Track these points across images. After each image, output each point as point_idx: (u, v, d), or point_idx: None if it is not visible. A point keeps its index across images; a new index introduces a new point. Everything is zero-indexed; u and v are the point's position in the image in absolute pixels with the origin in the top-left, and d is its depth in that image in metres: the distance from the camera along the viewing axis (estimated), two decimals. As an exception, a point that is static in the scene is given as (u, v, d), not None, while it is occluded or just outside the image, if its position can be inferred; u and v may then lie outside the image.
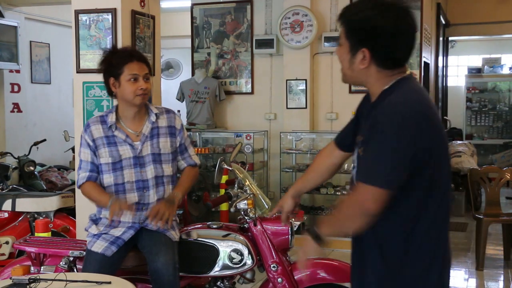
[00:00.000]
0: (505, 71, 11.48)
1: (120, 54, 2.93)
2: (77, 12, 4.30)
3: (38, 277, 2.21)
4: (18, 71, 8.13)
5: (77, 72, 4.36)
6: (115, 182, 2.89)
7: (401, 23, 1.91)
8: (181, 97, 7.62)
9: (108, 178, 2.90)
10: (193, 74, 7.79)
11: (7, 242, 4.53)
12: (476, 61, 12.10)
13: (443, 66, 9.89)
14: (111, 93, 2.96)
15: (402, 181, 1.86)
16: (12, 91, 8.17)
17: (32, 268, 2.94)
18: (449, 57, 10.67)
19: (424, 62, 7.35)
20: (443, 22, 9.36)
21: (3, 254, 4.52)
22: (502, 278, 5.28)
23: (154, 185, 2.92)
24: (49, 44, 8.81)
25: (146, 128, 2.93)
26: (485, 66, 11.53)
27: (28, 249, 2.99)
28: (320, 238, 1.95)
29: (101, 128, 2.92)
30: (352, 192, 1.95)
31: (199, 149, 6.52)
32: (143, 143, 2.91)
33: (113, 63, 2.89)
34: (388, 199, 1.85)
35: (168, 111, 3.05)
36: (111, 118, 2.92)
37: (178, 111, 7.48)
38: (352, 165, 2.09)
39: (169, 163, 2.97)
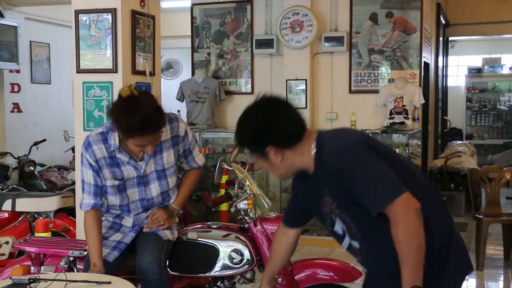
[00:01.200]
0: (505, 71, 11.49)
1: (134, 121, 2.55)
2: (77, 12, 4.30)
3: (38, 277, 2.21)
4: (18, 71, 8.13)
5: (77, 72, 4.36)
6: (120, 204, 2.84)
7: (273, 114, 2.10)
8: (181, 97, 7.62)
9: (113, 200, 2.83)
10: (193, 74, 7.79)
11: (7, 242, 4.53)
12: (476, 61, 12.10)
13: (443, 66, 9.89)
14: None
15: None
16: (12, 91, 8.17)
17: (32, 268, 2.94)
18: (449, 57, 10.67)
19: (424, 62, 7.34)
20: (443, 22, 9.36)
21: (3, 254, 4.52)
22: (502, 278, 5.28)
23: (159, 202, 2.90)
24: (49, 44, 8.81)
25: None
26: (485, 66, 11.54)
27: (28, 249, 2.99)
28: None
29: (104, 148, 2.75)
30: (393, 219, 1.94)
31: (199, 149, 6.52)
32: (147, 163, 2.81)
33: (123, 125, 2.60)
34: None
35: (170, 120, 2.85)
36: (114, 140, 2.73)
37: (178, 111, 7.49)
38: (341, 234, 2.16)
39: (173, 175, 2.92)
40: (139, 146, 2.67)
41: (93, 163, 2.75)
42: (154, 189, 2.86)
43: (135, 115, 2.54)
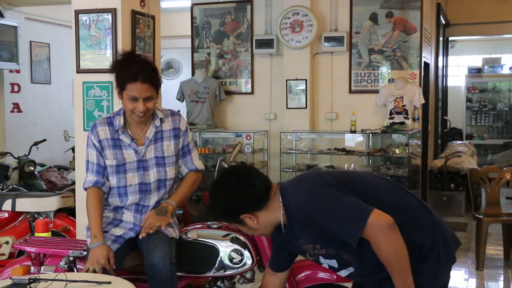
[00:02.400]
0: (505, 71, 11.49)
1: (128, 69, 2.81)
2: (77, 12, 4.30)
3: (38, 277, 2.21)
4: (18, 71, 8.13)
5: (77, 72, 4.36)
6: (118, 185, 2.90)
7: (236, 184, 2.22)
8: (181, 97, 7.62)
9: (111, 180, 2.91)
10: (193, 74, 7.80)
11: (7, 242, 4.53)
12: (476, 61, 12.10)
13: (443, 66, 9.89)
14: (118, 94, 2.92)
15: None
16: (12, 91, 8.17)
17: (32, 268, 2.94)
18: (449, 57, 10.67)
19: (424, 62, 7.35)
20: (443, 22, 9.36)
21: (3, 254, 4.52)
22: (502, 278, 5.28)
23: (156, 188, 2.93)
24: (49, 44, 8.81)
25: (150, 132, 2.91)
26: (485, 66, 11.54)
27: (28, 249, 2.99)
28: None
29: (108, 130, 2.91)
30: (372, 240, 2.07)
31: (199, 149, 6.52)
32: (147, 147, 2.91)
33: (120, 75, 2.84)
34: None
35: (173, 113, 3.02)
36: (119, 122, 2.91)
37: (178, 111, 7.47)
38: (336, 267, 2.29)
39: (173, 166, 2.96)
40: (131, 102, 2.80)
41: (97, 144, 2.90)
42: (152, 175, 2.91)
43: (132, 64, 2.82)
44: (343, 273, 2.29)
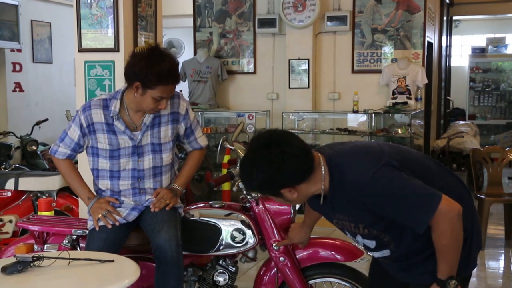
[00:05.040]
0: (510, 50, 11.40)
1: (160, 69, 2.66)
2: (78, -9, 4.27)
3: (41, 255, 2.23)
4: (19, 50, 8.10)
5: (79, 51, 4.34)
6: (111, 169, 2.86)
7: (279, 158, 1.97)
8: (183, 77, 7.59)
9: (103, 163, 2.85)
10: (195, 53, 7.76)
11: (10, 221, 4.56)
12: (480, 40, 12.00)
13: (446, 46, 9.83)
14: (127, 81, 2.77)
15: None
16: (14, 70, 8.15)
17: (35, 247, 2.95)
18: (453, 37, 10.60)
19: (428, 41, 7.30)
20: (447, 1, 9.28)
21: (6, 233, 4.55)
22: (503, 257, 5.30)
23: (151, 175, 2.88)
24: (50, 23, 8.76)
25: (147, 118, 2.84)
26: (489, 46, 11.44)
27: (31, 227, 3.00)
28: (446, 283, 2.01)
29: (102, 114, 2.81)
30: (437, 228, 1.98)
31: (202, 129, 6.51)
32: (143, 133, 2.83)
33: (149, 74, 2.65)
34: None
35: (172, 96, 2.88)
36: (115, 107, 2.80)
37: (180, 90, 7.45)
38: (372, 248, 2.20)
39: (169, 152, 2.91)
40: (155, 101, 2.71)
41: (84, 125, 2.82)
42: (147, 161, 2.86)
43: (162, 64, 2.67)
44: (377, 254, 2.21)
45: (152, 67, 2.66)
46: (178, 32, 11.44)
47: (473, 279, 4.63)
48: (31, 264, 2.17)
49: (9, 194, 4.79)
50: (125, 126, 2.81)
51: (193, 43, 7.88)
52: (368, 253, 2.31)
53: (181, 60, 8.38)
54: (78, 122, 2.84)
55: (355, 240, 2.24)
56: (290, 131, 2.13)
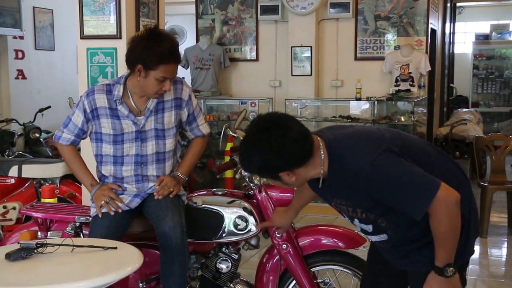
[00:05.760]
0: (513, 37, 11.34)
1: (161, 49, 2.67)
2: (80, -23, 4.25)
3: (45, 242, 2.24)
4: (21, 37, 8.08)
5: (81, 38, 4.33)
6: (114, 154, 2.86)
7: (279, 141, 1.96)
8: (185, 64, 7.58)
9: (107, 149, 2.86)
10: (197, 41, 7.74)
11: (14, 208, 4.57)
12: (484, 27, 11.94)
13: (450, 33, 9.78)
14: (129, 66, 2.79)
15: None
16: (16, 57, 8.13)
17: (39, 233, 2.96)
18: (457, 24, 10.53)
19: (431, 28, 7.26)
20: (451, -13, 9.21)
21: (10, 219, 4.56)
22: (505, 245, 5.31)
23: (154, 161, 2.88)
24: (52, 10, 8.72)
25: (151, 103, 2.83)
26: (493, 33, 11.38)
27: (35, 214, 3.01)
28: (444, 270, 2.02)
29: (106, 99, 2.81)
30: (435, 215, 1.98)
31: (204, 117, 6.51)
32: (147, 118, 2.82)
33: (150, 54, 2.67)
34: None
35: (175, 81, 2.88)
36: (118, 91, 2.80)
37: (183, 78, 7.44)
38: (370, 231, 2.21)
39: (172, 138, 2.90)
40: (159, 82, 2.71)
41: (88, 110, 2.82)
42: (150, 147, 2.85)
43: (162, 44, 2.68)
44: (374, 238, 2.22)
45: (152, 47, 2.67)
46: (180, 19, 11.40)
47: (475, 267, 4.65)
48: (35, 251, 2.18)
49: (13, 181, 4.80)
50: (129, 110, 2.81)
51: (196, 30, 7.85)
52: (366, 237, 2.32)
53: (183, 47, 8.38)
54: (81, 107, 2.84)
55: (353, 224, 2.24)
56: (291, 115, 2.11)
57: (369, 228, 2.18)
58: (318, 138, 2.06)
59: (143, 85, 2.75)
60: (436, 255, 2.02)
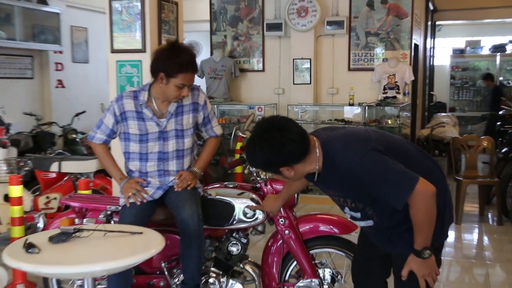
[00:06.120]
0: (485, 51, 11.32)
1: (180, 59, 2.70)
2: (111, 0, 4.26)
3: (81, 228, 2.25)
4: (61, 52, 8.11)
5: (111, 52, 4.35)
6: (140, 152, 2.86)
7: (279, 141, 1.98)
8: (201, 74, 7.58)
9: (134, 147, 2.86)
10: (211, 54, 7.74)
11: (55, 198, 4.60)
12: (460, 43, 11.89)
13: (430, 48, 9.74)
14: (153, 74, 2.79)
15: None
16: (57, 69, 8.18)
17: (76, 220, 2.98)
18: (436, 39, 10.49)
19: (414, 43, 7.23)
20: (432, 8, 9.18)
21: (52, 208, 4.59)
22: (477, 231, 5.31)
23: (174, 157, 2.88)
24: (87, 28, 8.76)
25: (172, 107, 2.84)
26: (467, 48, 11.36)
27: (73, 204, 3.02)
28: (421, 253, 2.03)
29: (133, 103, 2.82)
30: (414, 205, 1.97)
31: (217, 120, 6.52)
32: (168, 120, 2.84)
33: (171, 64, 2.69)
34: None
35: (192, 88, 2.89)
36: (143, 97, 2.82)
37: (199, 86, 7.45)
38: (358, 217, 2.21)
39: (190, 137, 2.91)
40: (178, 88, 2.72)
41: (117, 113, 2.83)
42: (171, 145, 2.86)
43: (182, 56, 2.71)
44: (362, 224, 2.23)
45: (173, 58, 2.69)
46: (196, 35, 11.40)
47: (450, 250, 4.65)
48: (73, 235, 2.19)
49: (54, 175, 4.84)
50: (153, 113, 2.82)
51: (210, 45, 7.86)
52: (355, 222, 2.33)
53: (199, 59, 8.38)
54: (112, 111, 2.85)
55: (343, 212, 2.25)
56: (290, 118, 2.13)
57: (358, 215, 2.19)
58: (314, 137, 2.08)
59: (165, 91, 2.76)
60: (415, 240, 2.03)
